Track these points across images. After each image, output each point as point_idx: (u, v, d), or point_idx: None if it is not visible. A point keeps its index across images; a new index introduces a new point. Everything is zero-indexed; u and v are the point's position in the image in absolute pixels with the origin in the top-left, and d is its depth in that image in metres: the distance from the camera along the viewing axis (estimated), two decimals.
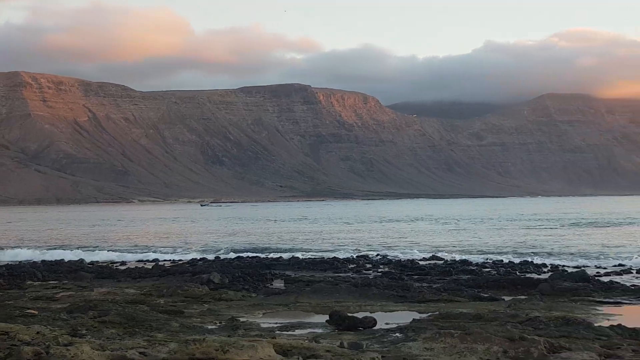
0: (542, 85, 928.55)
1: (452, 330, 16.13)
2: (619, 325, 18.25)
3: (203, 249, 55.56)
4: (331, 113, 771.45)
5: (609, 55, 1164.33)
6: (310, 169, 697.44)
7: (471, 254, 46.97)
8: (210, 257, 47.83)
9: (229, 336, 15.40)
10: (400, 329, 18.29)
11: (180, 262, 44.52)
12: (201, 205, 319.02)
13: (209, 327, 19.17)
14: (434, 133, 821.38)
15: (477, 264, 39.87)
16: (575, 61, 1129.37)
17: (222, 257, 47.46)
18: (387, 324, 19.47)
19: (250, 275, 33.95)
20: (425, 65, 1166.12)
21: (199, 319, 20.58)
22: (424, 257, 45.10)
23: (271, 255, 49.15)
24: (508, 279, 30.56)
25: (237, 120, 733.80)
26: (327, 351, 14.15)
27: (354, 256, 46.80)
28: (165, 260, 46.17)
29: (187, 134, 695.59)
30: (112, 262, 45.94)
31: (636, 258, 41.02)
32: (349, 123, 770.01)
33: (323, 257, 45.78)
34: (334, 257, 46.13)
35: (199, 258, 47.11)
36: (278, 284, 31.94)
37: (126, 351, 13.40)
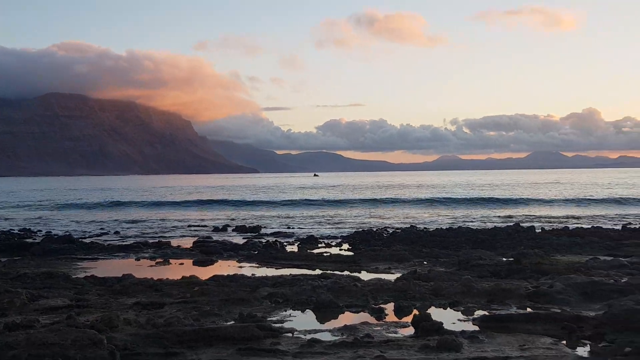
0: (47, 86, 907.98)
1: None
2: (92, 275, 18.37)
3: None
4: None
5: (100, 65, 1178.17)
6: None
7: None
8: None
9: None
10: None
11: None
12: None
13: None
14: None
15: None
16: (73, 67, 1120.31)
17: None
18: None
19: None
20: None
21: None
22: None
23: None
24: (6, 244, 28.77)
25: None
26: None
27: None
28: None
29: None
30: None
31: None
32: None
33: None
34: None
35: None
36: None
37: None
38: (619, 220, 39.66)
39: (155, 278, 17.29)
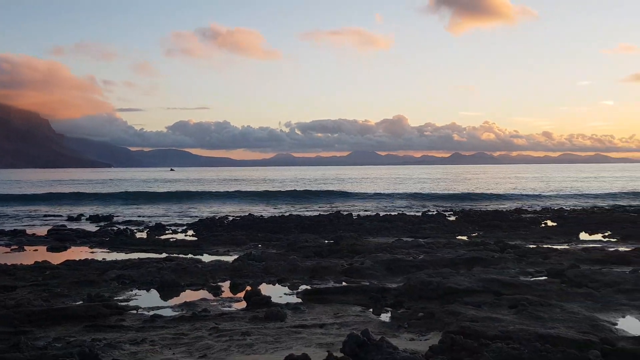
0: None
1: None
2: None
3: None
4: None
5: None
6: None
7: None
8: None
9: None
10: None
11: None
12: None
13: None
14: None
15: None
16: None
17: None
18: None
19: None
20: None
21: None
22: None
23: None
24: None
25: None
26: None
27: None
28: None
29: None
30: None
31: None
32: None
33: None
34: None
35: None
36: None
37: None
38: (419, 208, 41.93)
39: (9, 263, 16.14)
